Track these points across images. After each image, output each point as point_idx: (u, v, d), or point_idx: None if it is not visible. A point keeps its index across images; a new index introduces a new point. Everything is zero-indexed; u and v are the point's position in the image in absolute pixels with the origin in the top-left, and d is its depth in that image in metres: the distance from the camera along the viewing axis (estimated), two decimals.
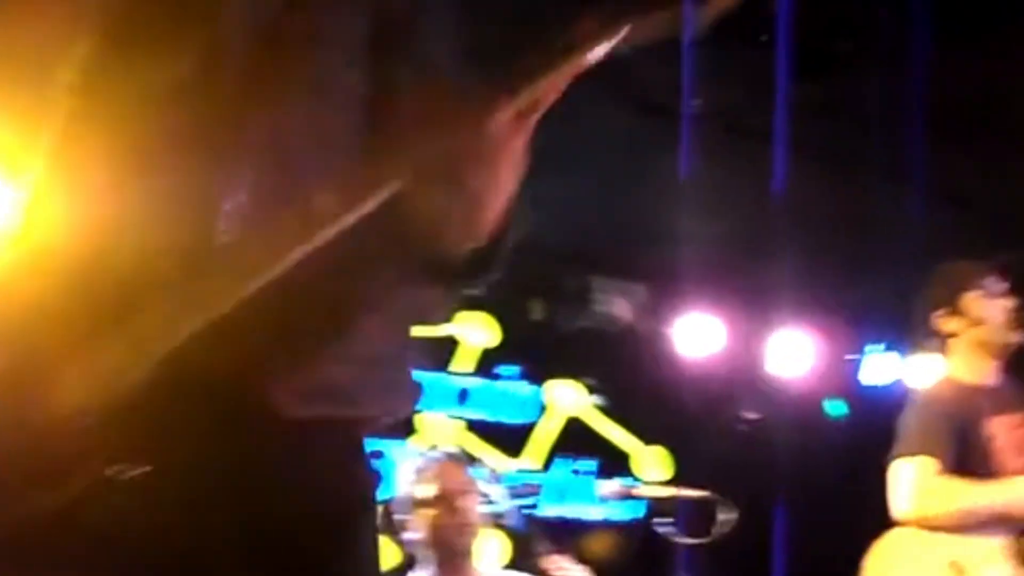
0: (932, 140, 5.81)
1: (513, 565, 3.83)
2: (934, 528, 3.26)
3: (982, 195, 6.18)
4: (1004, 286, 3.58)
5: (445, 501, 3.49)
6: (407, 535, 3.52)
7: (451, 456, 3.72)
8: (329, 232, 1.32)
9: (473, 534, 3.53)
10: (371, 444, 4.58)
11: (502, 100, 1.30)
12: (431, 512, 3.48)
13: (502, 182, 1.40)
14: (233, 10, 1.50)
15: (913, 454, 3.32)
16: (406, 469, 3.62)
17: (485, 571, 3.64)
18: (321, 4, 1.54)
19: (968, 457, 3.33)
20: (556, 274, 6.86)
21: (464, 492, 3.53)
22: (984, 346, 3.51)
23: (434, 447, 5.24)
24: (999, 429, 3.41)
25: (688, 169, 5.61)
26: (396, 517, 3.54)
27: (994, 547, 3.26)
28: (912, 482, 3.29)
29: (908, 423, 3.43)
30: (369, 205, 1.33)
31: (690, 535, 4.35)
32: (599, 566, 6.54)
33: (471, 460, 3.73)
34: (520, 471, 6.70)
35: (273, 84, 1.49)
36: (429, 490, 3.51)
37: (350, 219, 1.33)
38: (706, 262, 6.43)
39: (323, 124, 1.48)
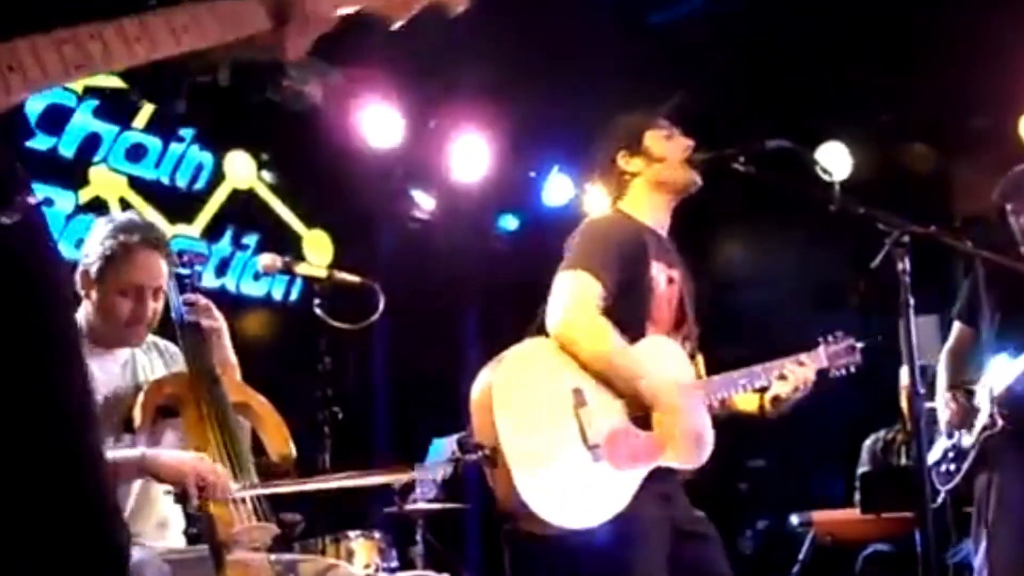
0: None
1: (159, 330, 3.69)
2: (570, 352, 3.28)
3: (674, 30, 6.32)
4: (676, 129, 3.66)
5: (133, 297, 3.29)
6: (80, 291, 3.31)
7: (156, 244, 3.37)
8: None
9: (142, 336, 3.37)
10: (40, 190, 4.32)
11: None
12: (114, 300, 3.28)
13: None
14: None
15: (577, 269, 3.34)
16: (107, 237, 3.30)
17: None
18: None
19: (632, 291, 3.38)
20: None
21: (156, 294, 3.34)
22: (662, 185, 3.58)
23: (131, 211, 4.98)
24: (659, 275, 3.50)
25: None
26: (79, 270, 3.30)
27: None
28: (569, 299, 3.31)
29: (579, 242, 3.45)
30: None
31: (344, 319, 4.36)
32: (254, 342, 6.54)
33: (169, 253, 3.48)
34: (182, 237, 6.53)
35: None
36: (123, 279, 3.27)
37: None
38: (401, 57, 6.33)
39: None
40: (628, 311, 3.37)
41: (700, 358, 3.63)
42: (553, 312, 3.31)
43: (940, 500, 4.68)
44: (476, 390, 3.26)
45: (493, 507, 3.26)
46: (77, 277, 3.30)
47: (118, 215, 3.93)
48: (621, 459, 3.23)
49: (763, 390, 3.61)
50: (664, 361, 3.43)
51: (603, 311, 3.32)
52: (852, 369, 3.81)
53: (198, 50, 1.75)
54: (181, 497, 2.99)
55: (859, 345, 3.83)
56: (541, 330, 3.38)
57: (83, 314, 3.35)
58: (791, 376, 3.59)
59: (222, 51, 1.83)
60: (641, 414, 3.31)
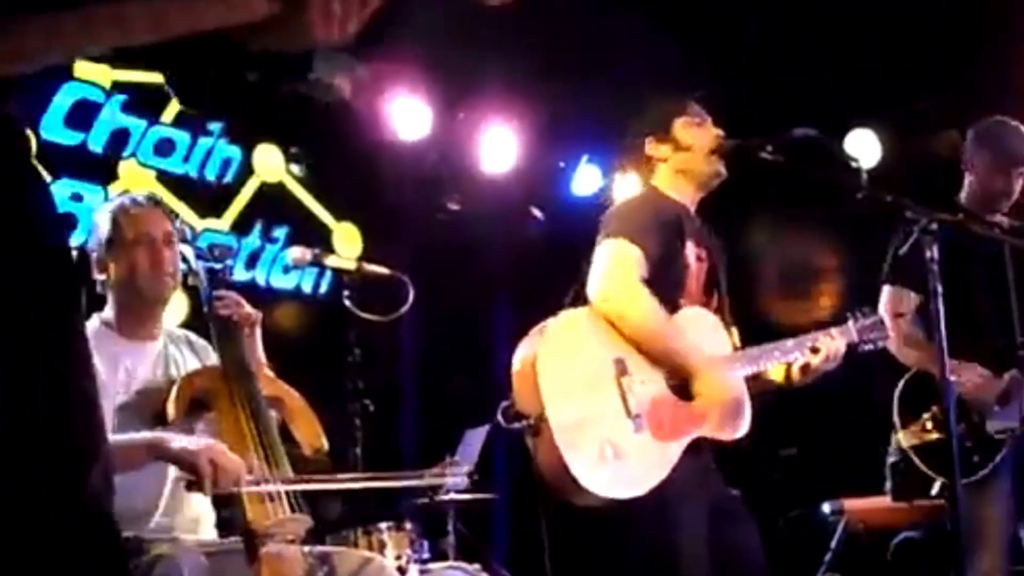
0: None
1: (190, 325, 3.73)
2: (611, 322, 3.30)
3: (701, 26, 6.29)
4: (708, 117, 3.66)
5: (147, 245, 3.34)
6: (101, 276, 3.36)
7: (155, 202, 3.54)
8: None
9: (168, 285, 3.40)
10: (70, 185, 4.41)
11: None
12: (131, 253, 3.34)
13: None
14: None
15: (617, 237, 3.36)
16: (106, 210, 3.43)
17: (168, 326, 3.54)
18: None
19: (670, 263, 3.42)
20: None
21: (168, 241, 3.39)
22: (688, 173, 3.59)
23: (126, 191, 5.02)
24: (692, 254, 3.52)
25: None
26: (93, 257, 3.37)
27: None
28: (610, 267, 3.33)
29: (616, 215, 3.47)
30: None
31: (373, 312, 4.39)
32: (284, 335, 6.57)
33: (171, 213, 3.56)
34: (212, 231, 6.57)
35: None
36: (132, 231, 3.35)
37: None
38: (428, 50, 6.34)
39: None
40: (666, 283, 3.39)
41: (735, 330, 3.64)
42: (594, 281, 3.33)
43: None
44: (518, 360, 3.29)
45: (532, 481, 3.26)
46: (93, 264, 3.35)
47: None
48: (663, 429, 3.24)
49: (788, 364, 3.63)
50: (702, 332, 3.47)
51: (643, 282, 3.34)
52: (879, 344, 3.82)
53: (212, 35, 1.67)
54: (193, 483, 2.98)
55: (887, 320, 3.84)
56: (577, 301, 3.40)
57: (109, 305, 3.39)
58: (823, 348, 3.61)
59: (237, 38, 1.73)
60: (681, 384, 3.33)
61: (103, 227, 3.37)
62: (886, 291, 4.49)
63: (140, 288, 3.36)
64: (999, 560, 4.15)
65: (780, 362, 3.58)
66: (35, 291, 1.58)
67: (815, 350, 3.60)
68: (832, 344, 3.62)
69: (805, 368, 3.62)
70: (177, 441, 3.03)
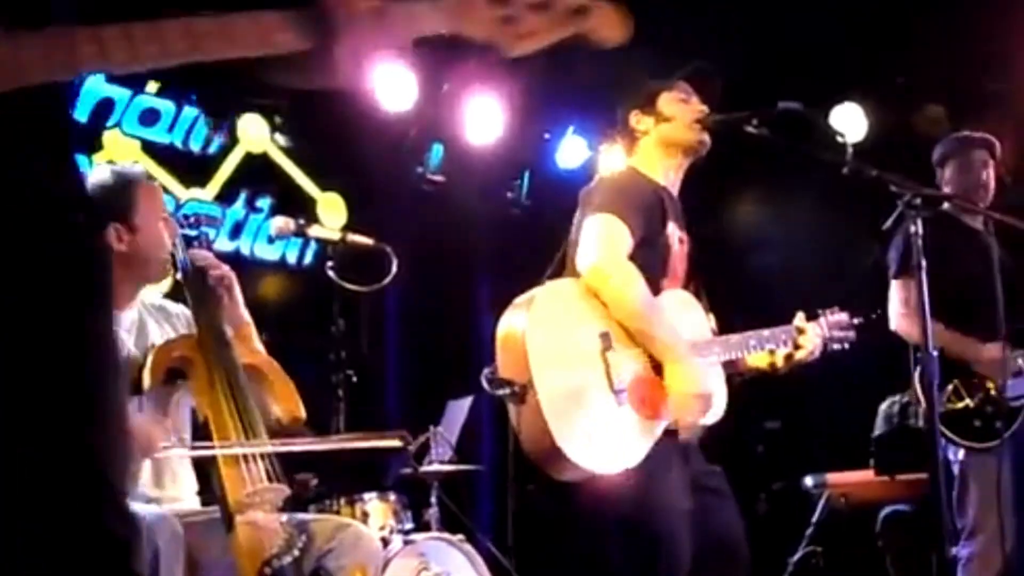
0: None
1: (175, 296, 3.70)
2: (596, 295, 3.28)
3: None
4: (694, 95, 3.65)
5: (165, 222, 3.35)
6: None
7: (150, 179, 3.51)
8: None
9: (162, 267, 3.38)
10: None
11: None
12: (157, 229, 3.32)
13: None
14: None
15: (606, 212, 3.34)
16: (120, 177, 3.37)
17: (143, 295, 3.50)
18: None
19: (650, 245, 3.41)
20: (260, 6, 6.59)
21: (165, 220, 3.38)
22: (670, 144, 3.58)
23: (111, 162, 4.98)
24: (674, 236, 3.51)
25: None
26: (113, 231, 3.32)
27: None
28: (600, 242, 3.31)
29: (601, 191, 3.45)
30: None
31: (357, 282, 4.38)
32: (268, 305, 6.55)
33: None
34: (195, 200, 6.54)
35: None
36: (155, 205, 3.35)
37: None
38: None
39: None
40: (648, 264, 3.37)
41: (712, 316, 3.64)
42: (585, 254, 3.32)
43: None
44: (504, 328, 3.27)
45: (514, 453, 3.24)
46: (111, 232, 3.27)
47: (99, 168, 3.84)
48: (644, 406, 3.24)
49: (771, 351, 3.64)
50: (683, 316, 3.46)
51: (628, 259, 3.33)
52: (846, 345, 3.83)
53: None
54: None
55: (856, 321, 3.85)
56: (557, 274, 3.39)
57: None
58: (803, 341, 3.63)
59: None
60: (659, 363, 3.32)
61: (130, 200, 3.32)
62: (894, 285, 4.58)
63: (153, 262, 3.34)
64: (1006, 523, 4.21)
65: (755, 352, 3.59)
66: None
67: (796, 342, 3.63)
68: (808, 339, 3.65)
69: (789, 358, 3.65)
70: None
